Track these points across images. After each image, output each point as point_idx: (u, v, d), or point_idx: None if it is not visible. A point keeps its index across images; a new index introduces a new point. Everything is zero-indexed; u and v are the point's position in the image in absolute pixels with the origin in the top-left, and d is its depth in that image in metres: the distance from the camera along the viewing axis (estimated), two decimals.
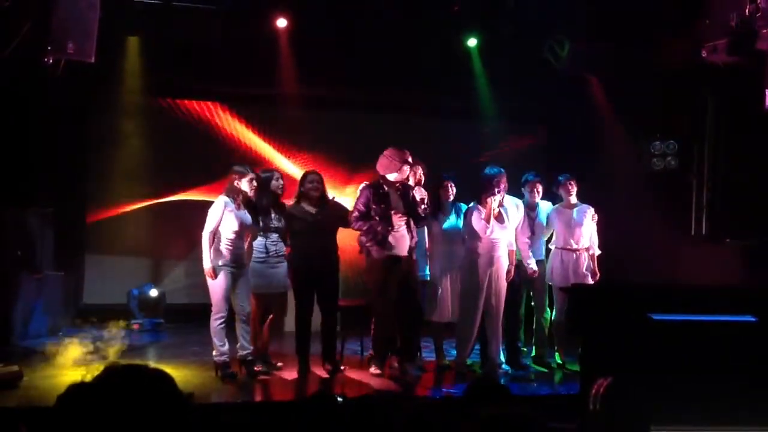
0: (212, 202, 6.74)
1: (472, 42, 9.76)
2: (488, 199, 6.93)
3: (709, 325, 1.58)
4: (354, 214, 6.89)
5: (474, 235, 7.02)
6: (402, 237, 6.86)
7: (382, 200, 6.83)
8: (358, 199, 6.96)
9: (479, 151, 9.91)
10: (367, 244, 6.85)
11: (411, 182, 7.04)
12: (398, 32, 9.05)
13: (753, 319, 1.73)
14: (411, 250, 6.92)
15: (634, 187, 8.96)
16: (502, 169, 7.10)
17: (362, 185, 7.06)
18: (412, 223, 6.92)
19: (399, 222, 6.83)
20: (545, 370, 7.43)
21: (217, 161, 9.64)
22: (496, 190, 6.95)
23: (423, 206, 6.93)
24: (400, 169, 6.84)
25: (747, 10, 6.55)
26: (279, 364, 7.06)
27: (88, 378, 1.70)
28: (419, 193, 6.96)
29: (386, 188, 6.88)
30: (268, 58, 9.30)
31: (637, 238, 8.19)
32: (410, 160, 6.88)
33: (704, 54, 6.95)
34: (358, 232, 7.00)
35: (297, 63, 9.42)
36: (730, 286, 5.27)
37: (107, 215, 9.48)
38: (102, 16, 6.87)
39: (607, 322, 1.58)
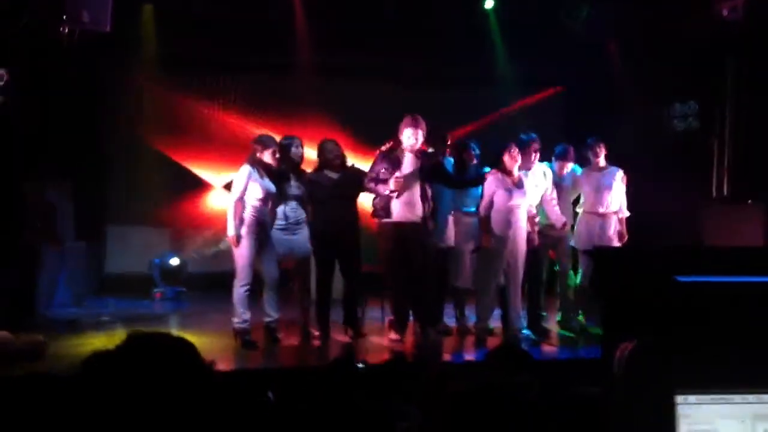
0: (230, 173, 6.76)
1: (489, 3, 9.62)
2: (508, 160, 6.90)
3: (735, 287, 1.55)
4: (366, 180, 6.90)
5: (492, 200, 6.98)
6: (412, 203, 6.81)
7: (391, 165, 6.80)
8: (372, 164, 6.99)
9: (497, 114, 9.80)
10: (376, 207, 6.85)
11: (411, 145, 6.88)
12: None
13: None
14: (425, 217, 6.87)
15: (655, 149, 8.87)
16: (535, 135, 7.22)
17: (379, 150, 7.05)
18: (427, 189, 6.88)
19: (408, 188, 6.78)
20: (571, 335, 7.38)
21: (235, 130, 9.66)
22: (532, 154, 7.07)
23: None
24: (403, 133, 6.80)
25: None
26: (316, 333, 6.99)
27: (111, 346, 1.71)
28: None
29: (399, 153, 6.84)
30: (282, 27, 9.21)
31: (658, 201, 8.12)
32: (411, 129, 6.78)
33: (724, 12, 6.83)
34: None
35: (312, 31, 9.33)
36: (756, 247, 5.22)
37: (127, 185, 9.50)
38: None
39: (631, 285, 1.55)
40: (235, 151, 9.37)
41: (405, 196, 6.77)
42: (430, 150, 6.95)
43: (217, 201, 9.76)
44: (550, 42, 9.19)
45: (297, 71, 9.76)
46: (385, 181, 6.76)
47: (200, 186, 9.89)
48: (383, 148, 6.99)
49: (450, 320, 7.57)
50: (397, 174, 6.73)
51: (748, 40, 7.85)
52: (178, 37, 8.96)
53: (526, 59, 9.53)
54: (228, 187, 9.62)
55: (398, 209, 6.77)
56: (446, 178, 7.04)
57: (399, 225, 6.78)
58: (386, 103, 9.23)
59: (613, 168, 7.45)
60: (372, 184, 6.84)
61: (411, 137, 6.79)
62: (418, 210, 6.82)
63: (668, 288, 1.47)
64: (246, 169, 6.66)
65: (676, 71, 8.83)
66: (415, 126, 6.79)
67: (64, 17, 6.67)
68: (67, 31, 6.79)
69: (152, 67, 9.38)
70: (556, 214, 7.29)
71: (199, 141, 9.74)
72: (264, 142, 6.76)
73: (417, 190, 6.82)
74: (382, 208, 6.80)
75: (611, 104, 9.15)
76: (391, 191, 6.73)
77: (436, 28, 9.36)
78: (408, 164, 6.82)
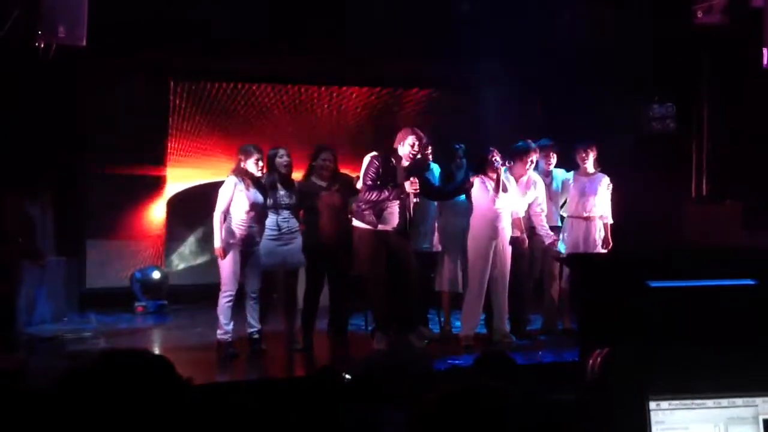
0: (211, 182, 6.73)
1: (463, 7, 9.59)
2: (494, 170, 6.93)
3: (707, 291, 1.56)
4: (367, 183, 6.77)
5: (477, 206, 7.01)
6: (392, 213, 6.80)
7: (390, 172, 6.78)
8: (368, 167, 6.82)
9: (477, 120, 9.75)
10: (365, 212, 6.78)
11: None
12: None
13: (752, 282, 1.71)
14: (403, 224, 6.84)
15: (634, 150, 8.92)
16: (533, 144, 7.23)
17: (371, 154, 6.93)
18: (411, 199, 6.87)
19: (397, 197, 6.78)
20: (566, 337, 7.35)
21: (218, 140, 9.63)
22: (527, 163, 7.08)
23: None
24: (403, 144, 6.79)
25: None
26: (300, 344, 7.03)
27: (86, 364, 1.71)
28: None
29: (394, 161, 6.82)
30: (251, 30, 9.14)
31: (637, 202, 8.17)
32: (414, 137, 6.77)
33: (699, 15, 6.90)
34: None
35: (291, 35, 9.24)
36: (728, 249, 5.25)
37: (106, 198, 9.43)
38: None
39: (605, 291, 1.57)
40: (217, 160, 9.37)
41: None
42: (418, 157, 6.95)
43: (199, 212, 9.74)
44: (526, 42, 9.17)
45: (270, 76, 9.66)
46: (380, 188, 6.72)
47: (181, 196, 9.78)
48: (375, 153, 6.91)
49: (434, 326, 7.57)
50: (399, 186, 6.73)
51: (723, 42, 7.93)
52: (158, 45, 8.89)
53: (501, 59, 9.49)
54: (170, 202, 9.63)
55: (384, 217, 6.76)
56: (429, 190, 7.04)
57: (377, 232, 6.77)
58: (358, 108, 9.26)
59: (600, 174, 7.50)
60: (375, 192, 6.71)
61: (413, 146, 6.74)
62: (396, 219, 6.80)
63: (641, 293, 1.49)
64: (231, 180, 6.63)
65: (654, 72, 8.88)
66: (419, 136, 6.77)
67: (40, 31, 6.62)
68: (43, 45, 6.74)
69: (131, 75, 9.34)
70: (544, 229, 7.30)
71: (180, 150, 9.68)
72: (246, 151, 6.71)
73: (397, 201, 6.80)
74: (374, 213, 6.73)
75: (590, 105, 9.17)
76: (387, 198, 6.70)
77: (402, 29, 9.29)
78: (401, 173, 6.78)
